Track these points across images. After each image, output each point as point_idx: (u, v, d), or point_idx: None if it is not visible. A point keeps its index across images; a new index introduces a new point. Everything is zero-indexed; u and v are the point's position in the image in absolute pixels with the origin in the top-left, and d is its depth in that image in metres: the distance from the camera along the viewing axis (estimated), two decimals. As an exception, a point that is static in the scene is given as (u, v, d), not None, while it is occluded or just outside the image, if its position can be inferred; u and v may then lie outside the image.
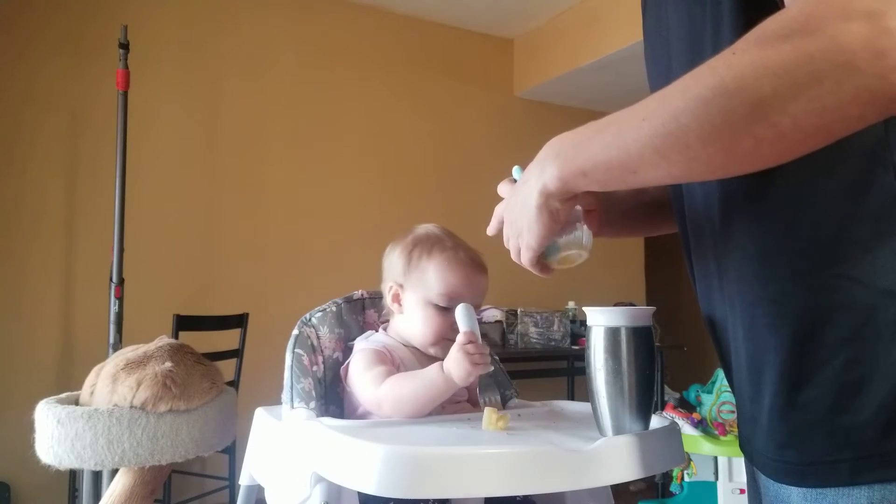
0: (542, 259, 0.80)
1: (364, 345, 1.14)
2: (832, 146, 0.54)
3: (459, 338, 0.98)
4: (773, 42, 0.50)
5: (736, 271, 0.66)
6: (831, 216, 0.58)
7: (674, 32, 0.73)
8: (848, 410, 0.56)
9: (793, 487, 0.60)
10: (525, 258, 0.77)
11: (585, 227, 0.80)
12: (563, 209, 0.70)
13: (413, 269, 1.14)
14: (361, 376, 1.08)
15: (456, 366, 0.97)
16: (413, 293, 1.14)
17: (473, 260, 1.14)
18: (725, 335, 0.71)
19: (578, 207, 0.79)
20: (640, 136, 0.57)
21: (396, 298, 1.16)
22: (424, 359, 1.13)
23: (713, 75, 0.52)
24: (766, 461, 0.64)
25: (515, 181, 0.84)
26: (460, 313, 1.02)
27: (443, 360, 1.02)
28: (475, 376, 0.98)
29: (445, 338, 1.10)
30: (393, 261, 1.17)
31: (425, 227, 1.19)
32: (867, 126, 0.51)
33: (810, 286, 0.59)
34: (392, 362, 1.10)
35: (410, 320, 1.14)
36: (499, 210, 0.83)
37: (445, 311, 1.10)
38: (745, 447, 0.70)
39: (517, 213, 0.74)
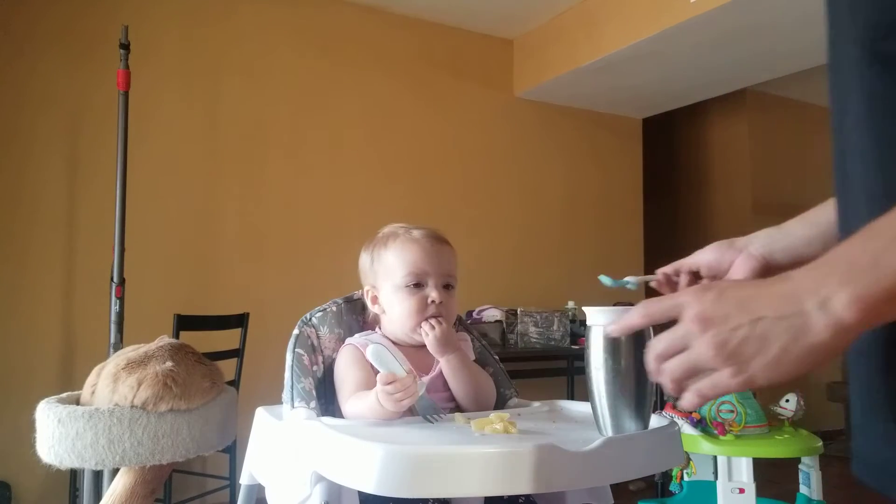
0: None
1: (350, 341, 1.17)
2: None
3: (378, 378, 1.00)
4: None
5: None
6: None
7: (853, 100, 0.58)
8: None
9: None
10: (727, 385, 0.55)
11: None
12: (840, 347, 0.51)
13: (378, 265, 1.19)
14: (339, 382, 1.14)
15: (385, 402, 0.99)
16: (384, 287, 1.18)
17: (428, 235, 1.19)
18: None
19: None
20: None
21: (374, 300, 1.21)
22: (412, 352, 1.15)
23: None
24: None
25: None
26: (371, 356, 1.02)
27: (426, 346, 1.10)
28: (405, 407, 1.00)
29: (425, 317, 1.14)
30: (361, 267, 1.23)
31: (384, 228, 1.24)
32: None
33: None
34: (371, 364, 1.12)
35: (390, 313, 1.17)
36: (671, 302, 0.62)
37: (416, 288, 1.15)
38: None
39: (756, 335, 0.53)
